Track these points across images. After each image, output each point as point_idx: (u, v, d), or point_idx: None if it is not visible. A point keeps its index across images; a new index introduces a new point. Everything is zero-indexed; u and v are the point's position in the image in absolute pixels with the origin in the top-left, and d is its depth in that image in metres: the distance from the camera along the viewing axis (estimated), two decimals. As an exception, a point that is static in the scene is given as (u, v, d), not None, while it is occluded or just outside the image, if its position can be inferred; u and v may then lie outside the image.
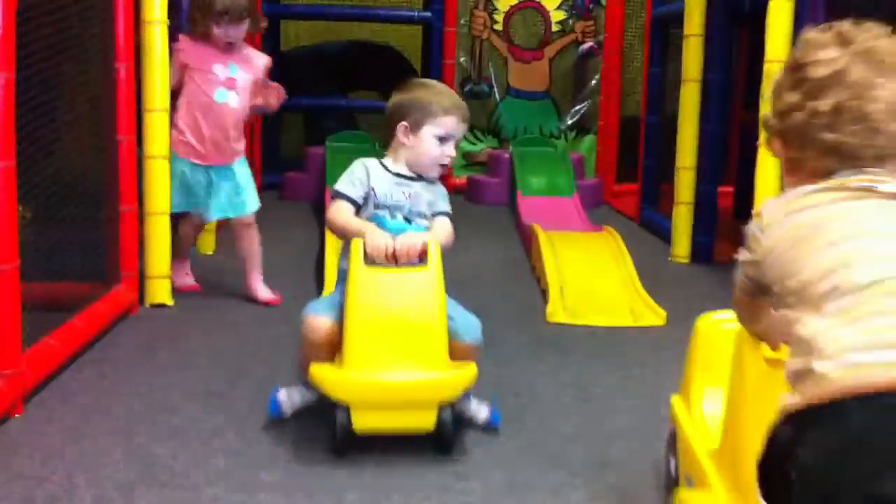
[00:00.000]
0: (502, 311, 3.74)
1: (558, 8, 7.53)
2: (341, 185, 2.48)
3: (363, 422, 2.24)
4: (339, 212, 2.45)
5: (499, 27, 7.51)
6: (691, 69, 4.86)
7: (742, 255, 1.51)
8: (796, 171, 1.48)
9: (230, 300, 3.78)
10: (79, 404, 2.61)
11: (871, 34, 1.42)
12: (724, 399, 1.70)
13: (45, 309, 2.87)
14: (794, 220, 1.40)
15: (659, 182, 5.84)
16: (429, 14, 7.13)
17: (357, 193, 2.46)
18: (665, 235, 5.18)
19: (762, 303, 1.54)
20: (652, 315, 3.71)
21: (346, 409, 2.24)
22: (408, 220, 2.47)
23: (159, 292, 3.64)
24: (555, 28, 7.54)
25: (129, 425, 2.47)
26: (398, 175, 2.50)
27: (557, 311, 3.70)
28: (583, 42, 7.54)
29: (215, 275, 4.23)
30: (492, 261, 4.79)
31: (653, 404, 2.74)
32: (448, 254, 2.45)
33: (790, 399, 1.27)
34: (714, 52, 4.82)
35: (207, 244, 4.68)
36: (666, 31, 5.78)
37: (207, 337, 3.29)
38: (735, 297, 1.60)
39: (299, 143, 7.22)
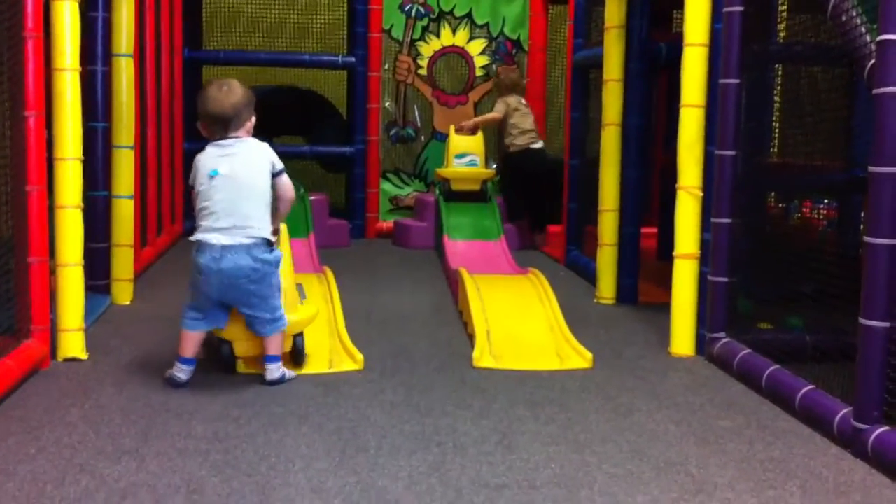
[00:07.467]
0: (428, 357, 3.70)
1: (482, 53, 7.62)
2: None
3: (241, 350, 3.36)
4: None
5: (423, 72, 7.56)
6: (611, 113, 4.93)
7: None
8: None
9: (145, 353, 3.67)
10: (-19, 467, 2.48)
11: None
12: None
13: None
14: None
15: (583, 224, 5.90)
16: (353, 59, 7.15)
17: None
18: (590, 277, 5.22)
19: None
20: (578, 358, 3.71)
21: (230, 343, 3.35)
22: None
23: (72, 346, 3.52)
24: (479, 73, 7.62)
25: (35, 487, 2.35)
26: None
27: (484, 356, 3.68)
28: (506, 86, 7.61)
29: (132, 326, 4.11)
30: (419, 305, 4.75)
31: (577, 451, 2.72)
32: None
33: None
34: (633, 96, 4.90)
35: (125, 294, 4.56)
36: (586, 77, 5.87)
37: (120, 392, 3.17)
38: None
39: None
